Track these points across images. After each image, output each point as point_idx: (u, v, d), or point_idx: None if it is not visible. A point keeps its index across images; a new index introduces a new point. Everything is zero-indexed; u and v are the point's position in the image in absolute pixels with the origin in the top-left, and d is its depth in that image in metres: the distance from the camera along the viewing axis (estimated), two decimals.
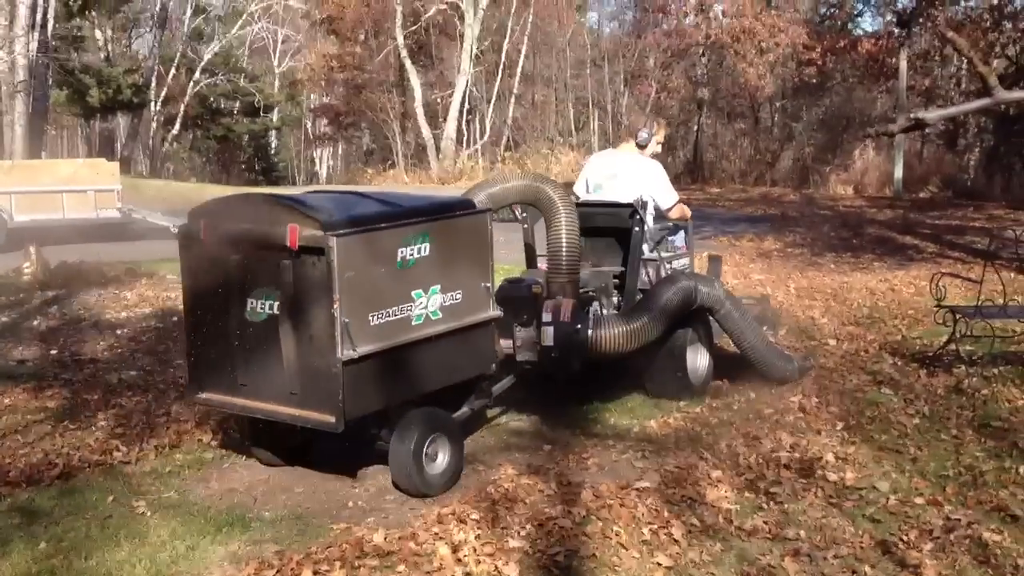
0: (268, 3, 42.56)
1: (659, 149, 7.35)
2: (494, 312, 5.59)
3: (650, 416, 6.47)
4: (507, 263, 12.29)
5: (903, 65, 24.25)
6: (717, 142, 32.41)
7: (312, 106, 46.87)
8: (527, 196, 6.33)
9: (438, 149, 32.30)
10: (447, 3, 33.53)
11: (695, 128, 32.21)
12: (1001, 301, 7.61)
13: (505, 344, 5.97)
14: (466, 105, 33.26)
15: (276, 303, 4.95)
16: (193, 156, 43.80)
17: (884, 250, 13.90)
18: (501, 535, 4.50)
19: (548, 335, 5.98)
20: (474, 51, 32.37)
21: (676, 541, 4.48)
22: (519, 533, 4.53)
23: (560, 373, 6.27)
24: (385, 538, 4.46)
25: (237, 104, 44.83)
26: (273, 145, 49.14)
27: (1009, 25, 24.87)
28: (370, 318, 4.86)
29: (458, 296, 5.33)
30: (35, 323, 9.37)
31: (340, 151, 49.53)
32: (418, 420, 5.15)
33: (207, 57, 41.31)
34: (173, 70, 39.62)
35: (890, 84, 27.65)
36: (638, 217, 6.62)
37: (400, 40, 33.20)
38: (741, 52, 29.14)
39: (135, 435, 6.12)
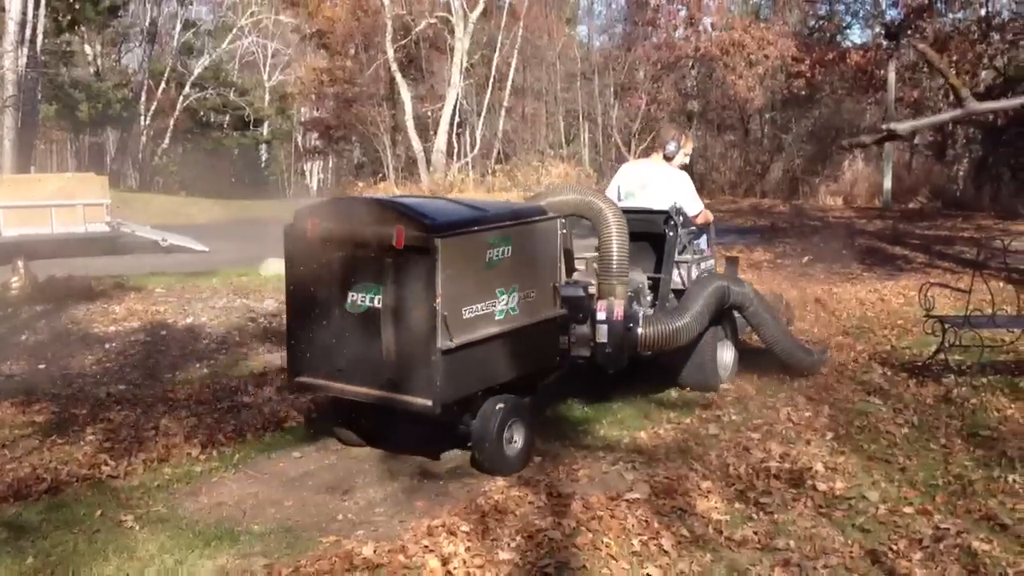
0: (258, 17, 42.61)
1: (686, 160, 7.81)
2: (560, 310, 6.12)
3: (640, 427, 6.47)
4: None
5: (891, 77, 24.37)
6: (707, 154, 32.45)
7: (302, 119, 46.84)
8: (576, 207, 6.69)
9: (428, 162, 32.29)
10: (437, 17, 33.59)
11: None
12: (990, 311, 7.64)
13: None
14: (456, 118, 33.26)
15: (377, 297, 5.42)
16: (183, 170, 43.66)
17: (873, 261, 13.95)
18: (491, 547, 4.49)
19: (603, 332, 6.43)
20: (464, 64, 32.40)
21: (666, 552, 4.48)
22: (509, 545, 4.52)
23: (611, 367, 6.62)
24: (375, 551, 4.45)
25: (227, 118, 44.84)
26: (263, 159, 49.13)
27: (997, 37, 25.00)
28: (463, 312, 5.34)
29: (532, 294, 5.86)
30: (23, 337, 9.34)
31: (331, 164, 49.51)
32: (498, 405, 5.62)
33: (197, 71, 41.34)
34: (163, 84, 39.61)
35: (879, 96, 27.76)
36: (672, 223, 7.13)
37: (390, 54, 33.19)
38: (731, 64, 29.21)
39: (123, 449, 6.10)
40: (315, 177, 49.74)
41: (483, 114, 34.23)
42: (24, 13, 23.01)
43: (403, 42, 34.28)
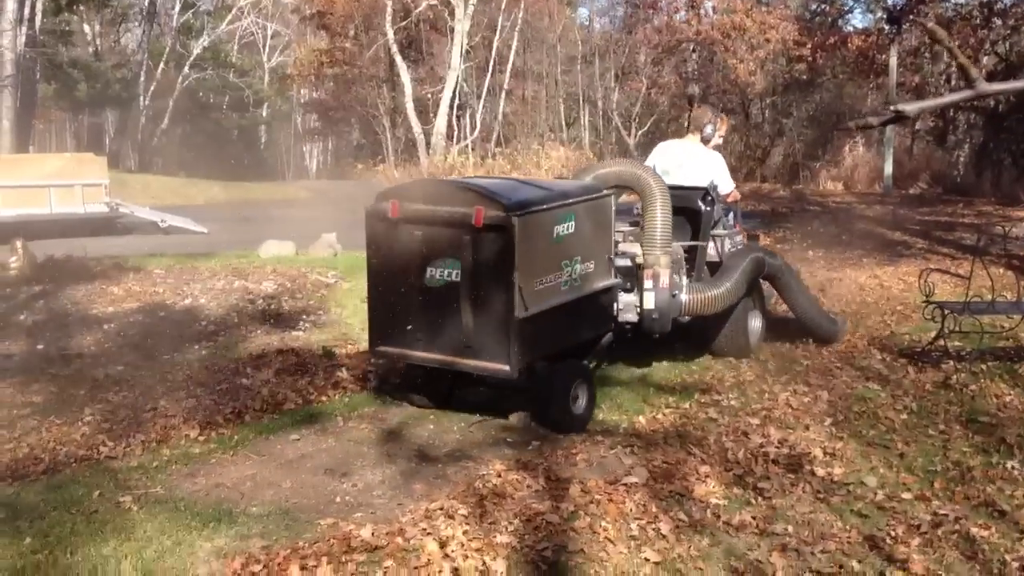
0: None
1: (720, 141, 8.32)
2: (615, 279, 6.63)
3: (639, 412, 6.47)
4: None
5: (893, 61, 24.28)
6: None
7: (302, 101, 46.73)
8: (625, 179, 7.08)
9: (428, 144, 32.20)
10: None
11: (685, 124, 32.17)
12: (989, 297, 7.62)
13: None
14: (456, 100, 33.14)
15: (455, 271, 5.82)
16: (182, 151, 43.58)
17: (873, 246, 13.92)
18: (489, 530, 4.49)
19: (650, 299, 6.83)
20: (464, 46, 32.27)
21: (664, 536, 4.48)
22: (507, 528, 4.52)
23: (656, 331, 7.00)
24: (372, 533, 4.45)
25: (226, 99, 44.74)
26: (262, 140, 49.01)
27: (999, 22, 24.90)
28: (535, 283, 5.81)
29: (591, 266, 6.33)
30: (22, 317, 9.33)
31: (330, 146, 49.46)
32: (564, 369, 6.17)
33: (196, 52, 41.18)
34: (162, 64, 39.49)
35: (880, 80, 27.67)
36: (710, 198, 7.53)
37: (390, 35, 33.05)
38: (732, 48, 29.12)
39: (122, 430, 6.10)
40: (314, 159, 49.63)
41: (483, 97, 34.13)
42: None
43: (403, 23, 34.14)
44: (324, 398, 6.94)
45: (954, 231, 15.49)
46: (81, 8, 35.09)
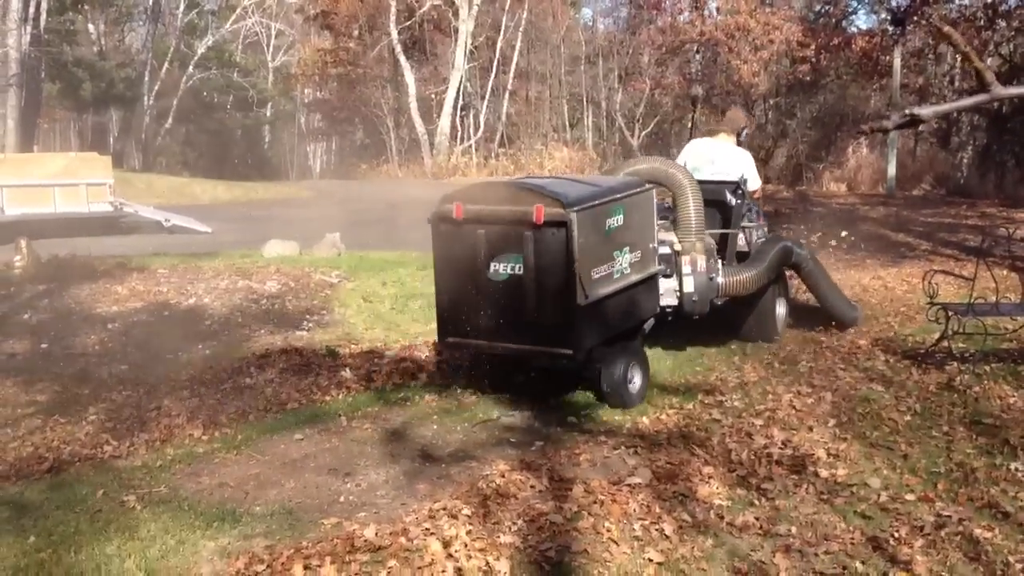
0: None
1: (746, 140, 9.01)
2: (659, 267, 7.09)
3: (642, 412, 6.47)
4: None
5: (897, 63, 24.27)
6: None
7: (306, 101, 46.74)
8: (656, 176, 7.55)
9: (432, 144, 32.24)
10: None
11: (689, 125, 32.13)
12: (993, 299, 7.61)
13: None
14: (460, 101, 33.19)
15: (518, 265, 6.25)
16: (186, 150, 43.60)
17: (877, 247, 13.91)
18: (492, 530, 4.50)
19: (689, 283, 7.39)
20: (468, 47, 32.33)
21: (667, 537, 4.48)
22: (510, 528, 4.52)
23: (696, 313, 7.51)
24: (376, 533, 4.45)
25: (230, 99, 44.70)
26: (266, 140, 49.00)
27: (1003, 23, 24.87)
28: (592, 273, 6.26)
29: (638, 255, 6.79)
30: (26, 317, 9.35)
31: (334, 146, 49.41)
32: (621, 351, 6.61)
33: (200, 51, 41.15)
34: (166, 64, 39.48)
35: (884, 82, 27.65)
36: (740, 191, 8.09)
37: (394, 35, 33.12)
38: (735, 49, 29.08)
39: (125, 429, 6.12)
40: (318, 159, 49.64)
41: (487, 97, 34.14)
42: None
43: (407, 24, 34.19)
44: (328, 398, 6.95)
45: (958, 233, 15.47)
46: (86, 7, 35.18)
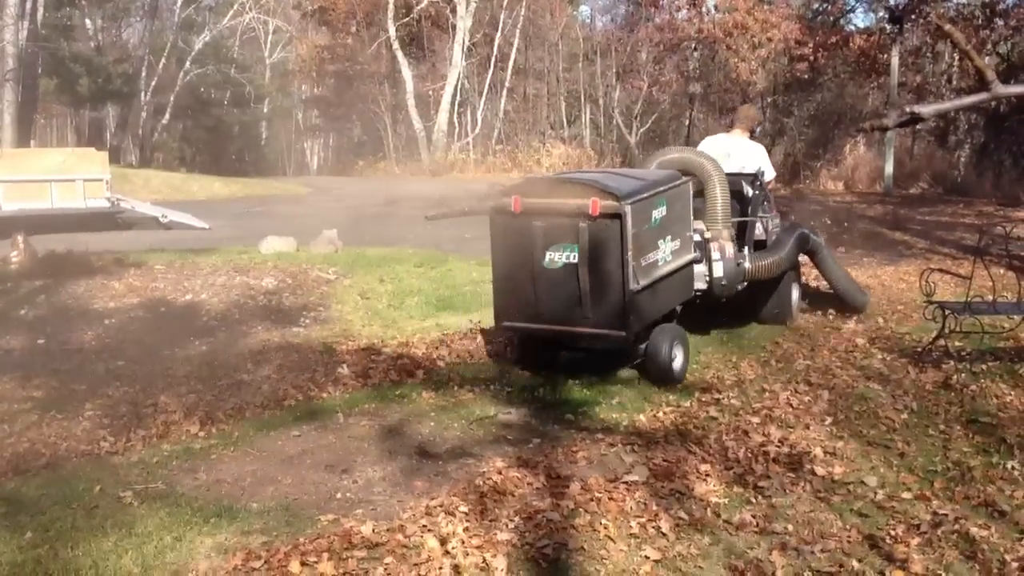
0: None
1: (759, 134, 9.11)
2: (694, 253, 7.60)
3: (640, 410, 6.47)
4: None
5: (895, 61, 24.28)
6: (708, 136, 32.33)
7: (303, 97, 46.69)
8: (688, 166, 7.99)
9: (429, 141, 32.22)
10: None
11: (687, 123, 32.19)
12: (990, 297, 7.62)
13: None
14: (458, 97, 33.17)
15: (573, 254, 6.69)
16: (183, 146, 43.59)
17: (874, 245, 13.92)
18: (489, 528, 4.50)
19: (719, 268, 7.80)
20: (466, 43, 32.31)
21: (664, 534, 4.49)
22: (508, 526, 4.52)
23: (724, 296, 7.97)
24: (373, 530, 4.45)
25: (227, 94, 44.69)
26: (263, 136, 48.97)
27: (1001, 22, 24.90)
28: (641, 261, 6.75)
29: (677, 243, 7.31)
30: (22, 312, 9.33)
31: (331, 142, 49.37)
32: (665, 332, 7.11)
33: (198, 47, 41.15)
34: (163, 60, 39.43)
35: (881, 80, 27.67)
36: (758, 183, 8.56)
37: (392, 32, 33.08)
38: (733, 47, 29.08)
39: (122, 425, 6.10)
40: (315, 155, 49.59)
41: (484, 94, 34.11)
42: None
43: (405, 20, 34.15)
44: (325, 394, 6.94)
45: (955, 231, 15.49)
46: (83, 3, 35.09)
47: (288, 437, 5.96)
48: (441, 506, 4.73)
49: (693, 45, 31.57)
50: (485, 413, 6.39)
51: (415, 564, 4.16)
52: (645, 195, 6.86)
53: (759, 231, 8.63)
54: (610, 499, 4.83)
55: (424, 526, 4.49)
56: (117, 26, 44.08)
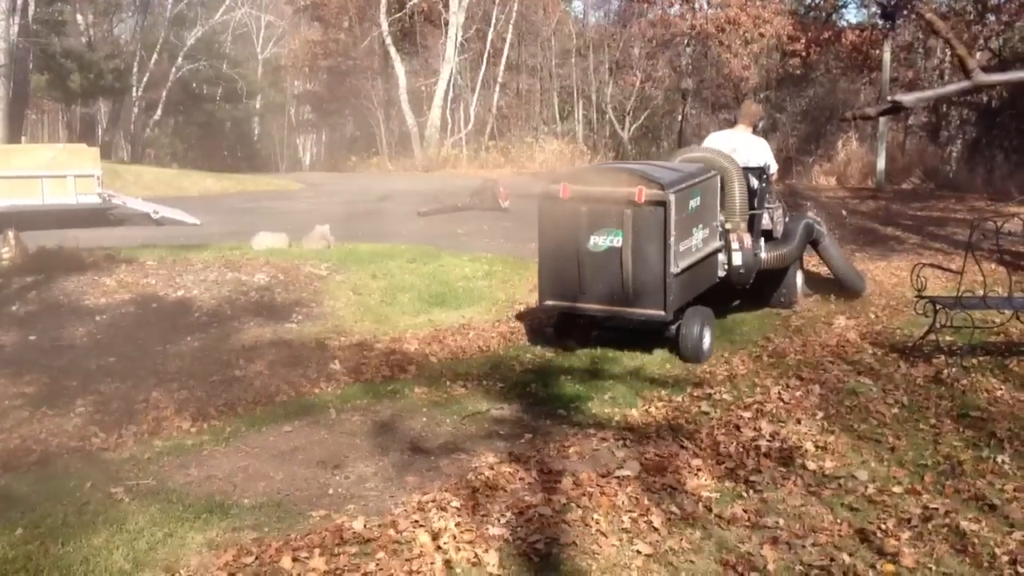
0: None
1: (761, 129, 9.89)
2: (720, 242, 8.21)
3: (631, 405, 6.48)
4: (488, 251, 12.30)
5: (887, 57, 24.28)
6: (701, 132, 32.23)
7: (295, 93, 46.57)
8: (708, 163, 8.42)
9: (422, 137, 32.15)
10: None
11: (679, 118, 32.19)
12: (981, 292, 7.64)
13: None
14: (450, 93, 33.09)
15: (617, 238, 7.31)
16: (175, 142, 43.42)
17: (866, 240, 13.95)
18: (481, 522, 4.50)
19: (738, 258, 8.37)
20: (459, 39, 32.23)
21: (656, 529, 4.50)
22: (499, 521, 4.53)
23: (742, 283, 8.61)
24: (365, 525, 4.45)
25: (219, 90, 44.53)
26: (256, 132, 48.85)
27: (993, 18, 24.93)
28: (680, 246, 7.33)
29: (707, 232, 7.94)
30: (13, 308, 9.30)
31: (324, 138, 49.27)
32: (697, 313, 7.67)
33: (190, 43, 40.99)
34: (155, 55, 39.28)
35: (874, 76, 27.67)
36: (766, 176, 9.00)
37: (385, 27, 32.99)
38: (726, 43, 29.06)
39: (114, 422, 6.09)
40: (308, 151, 49.48)
41: (477, 89, 34.05)
42: None
43: (397, 15, 34.07)
44: (317, 390, 6.94)
45: (946, 226, 15.52)
46: None
47: (280, 433, 5.96)
48: (433, 501, 4.73)
49: (686, 41, 31.55)
50: (477, 408, 6.39)
51: (407, 559, 4.17)
52: (685, 185, 7.47)
53: (766, 221, 9.03)
54: (602, 494, 4.84)
55: (416, 521, 4.49)
56: (109, 21, 43.85)
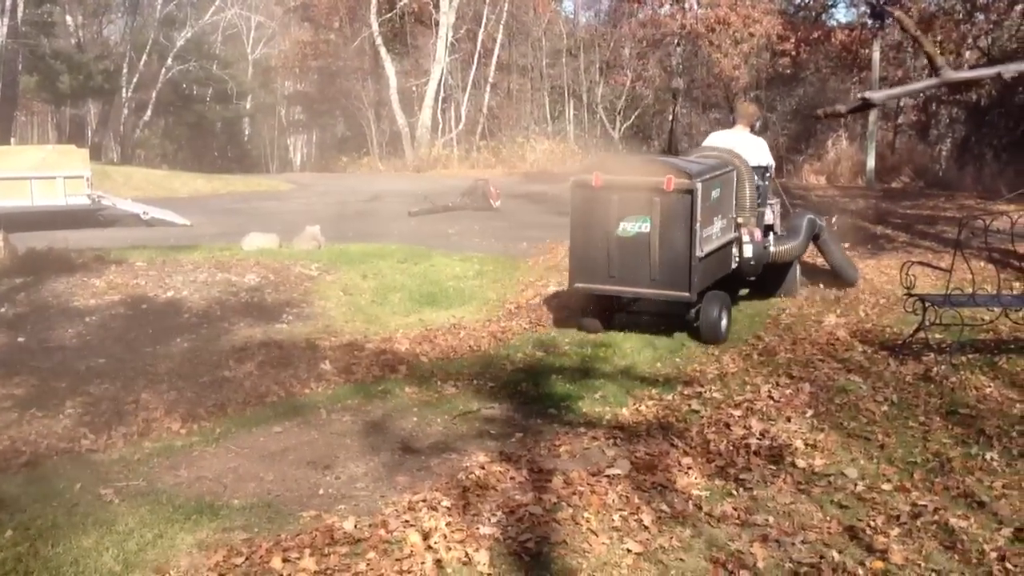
0: None
1: (759, 129, 10.20)
2: (735, 233, 8.67)
3: (622, 404, 6.49)
4: (479, 251, 12.30)
5: (876, 56, 24.35)
6: (692, 132, 32.39)
7: (286, 93, 46.48)
8: (721, 160, 8.72)
9: (413, 137, 32.12)
10: None
11: (670, 117, 32.25)
12: (970, 290, 7.67)
13: None
14: (441, 93, 33.07)
15: (646, 224, 7.83)
16: (165, 143, 43.32)
17: (855, 239, 13.96)
18: (472, 522, 4.50)
19: (749, 250, 8.80)
20: (449, 39, 32.21)
21: (646, 527, 4.50)
22: (490, 520, 4.53)
23: (751, 275, 9.10)
24: (355, 525, 4.45)
25: (210, 91, 44.41)
26: (246, 132, 48.73)
27: (981, 17, 25.01)
28: (704, 232, 7.82)
29: (725, 222, 8.43)
30: (2, 310, 9.27)
31: (314, 139, 49.18)
32: (716, 297, 8.16)
33: (180, 43, 40.86)
34: (145, 56, 39.15)
35: (863, 75, 27.75)
36: (768, 175, 9.53)
37: (375, 27, 32.95)
38: (716, 42, 29.11)
39: (103, 423, 6.08)
40: (298, 151, 49.40)
41: (468, 90, 34.04)
42: None
43: (388, 16, 34.04)
44: (307, 391, 6.94)
45: (936, 225, 15.56)
46: None
47: (270, 434, 5.95)
48: (424, 501, 4.73)
49: (676, 40, 31.60)
50: (468, 408, 6.40)
51: (397, 559, 4.17)
52: (709, 176, 7.96)
53: (768, 216, 9.50)
54: (592, 492, 4.85)
55: (406, 521, 4.49)
56: (98, 22, 43.72)
